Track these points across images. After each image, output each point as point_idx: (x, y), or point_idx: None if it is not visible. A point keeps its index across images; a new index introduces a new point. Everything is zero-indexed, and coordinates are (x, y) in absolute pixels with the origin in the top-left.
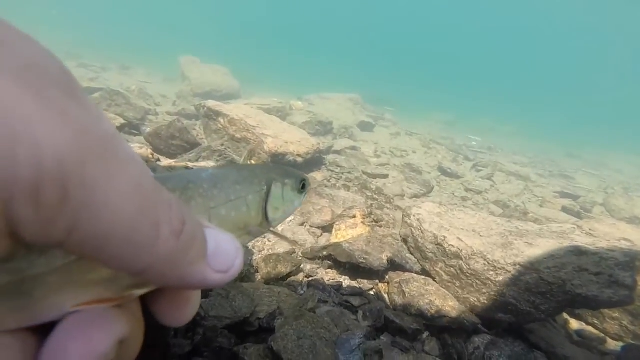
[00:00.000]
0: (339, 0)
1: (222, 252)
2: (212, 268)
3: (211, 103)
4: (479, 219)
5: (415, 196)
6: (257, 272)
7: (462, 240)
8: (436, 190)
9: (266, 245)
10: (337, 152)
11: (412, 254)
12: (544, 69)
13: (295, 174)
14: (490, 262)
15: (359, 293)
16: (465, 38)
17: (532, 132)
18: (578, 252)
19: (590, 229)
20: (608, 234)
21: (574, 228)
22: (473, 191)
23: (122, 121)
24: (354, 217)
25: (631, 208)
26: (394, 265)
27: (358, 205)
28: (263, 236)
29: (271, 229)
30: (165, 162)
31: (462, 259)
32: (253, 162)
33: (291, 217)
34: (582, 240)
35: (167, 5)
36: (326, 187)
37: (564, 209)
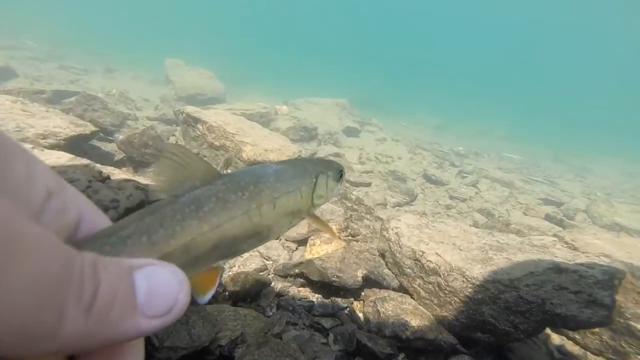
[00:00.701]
0: (330, 3)
1: (158, 293)
2: (147, 315)
3: (190, 109)
4: (459, 231)
5: (398, 205)
6: (225, 291)
7: (440, 256)
8: (420, 198)
9: (237, 261)
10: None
11: (389, 269)
12: (533, 73)
13: (335, 165)
14: (469, 279)
15: (331, 314)
16: (455, 41)
17: (520, 136)
18: (557, 269)
19: (572, 239)
20: (589, 245)
21: (555, 241)
22: (457, 199)
23: (93, 128)
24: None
25: (612, 215)
26: (370, 282)
27: (335, 218)
28: None
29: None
30: (120, 175)
31: (440, 276)
32: (229, 171)
33: None
34: (562, 255)
35: (156, 7)
36: None
37: (547, 217)
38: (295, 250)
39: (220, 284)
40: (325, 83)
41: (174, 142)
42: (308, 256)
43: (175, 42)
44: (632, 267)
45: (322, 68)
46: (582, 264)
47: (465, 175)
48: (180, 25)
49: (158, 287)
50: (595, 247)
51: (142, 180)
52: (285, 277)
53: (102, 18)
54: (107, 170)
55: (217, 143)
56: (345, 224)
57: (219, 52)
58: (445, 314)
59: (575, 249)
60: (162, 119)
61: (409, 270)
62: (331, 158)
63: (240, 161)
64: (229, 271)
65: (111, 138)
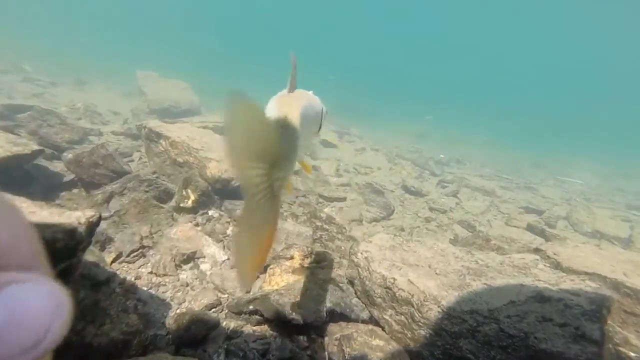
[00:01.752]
0: (309, 13)
1: (19, 322)
2: (3, 351)
3: (152, 123)
4: (436, 251)
5: (375, 220)
6: (167, 335)
7: (413, 284)
8: (398, 211)
9: (188, 295)
10: (295, 172)
11: (359, 298)
12: (512, 79)
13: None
14: (445, 310)
15: (289, 358)
16: (435, 49)
17: (499, 142)
18: (541, 297)
19: (554, 253)
20: (572, 259)
21: (537, 260)
22: (437, 210)
23: (35, 147)
24: (292, 258)
25: (592, 222)
26: (336, 316)
27: (300, 243)
28: (186, 284)
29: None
30: (44, 212)
31: (413, 306)
32: (189, 191)
33: (225, 258)
34: (545, 278)
35: (133, 18)
36: None
37: (529, 227)
38: (256, 279)
39: (164, 325)
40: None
41: (138, 158)
42: (267, 287)
43: (151, 53)
44: (617, 283)
45: (302, 76)
46: (567, 290)
47: (445, 184)
48: (157, 36)
49: (20, 315)
50: (578, 260)
51: (77, 218)
52: (239, 314)
53: (76, 29)
54: (25, 204)
55: (180, 159)
56: (310, 249)
57: (198, 63)
58: (420, 349)
59: (558, 264)
60: (128, 134)
61: (379, 300)
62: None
63: (203, 179)
64: (178, 308)
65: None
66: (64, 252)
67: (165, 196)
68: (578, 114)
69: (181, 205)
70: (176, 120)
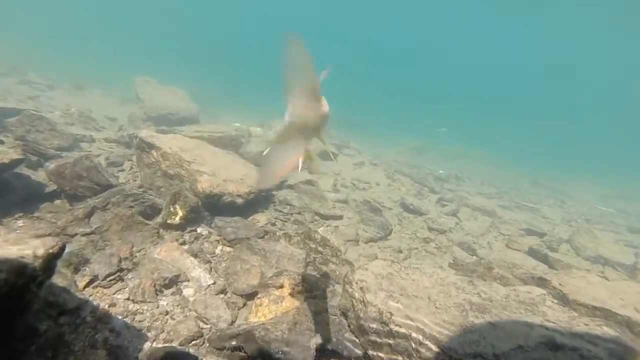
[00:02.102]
0: (311, 24)
1: None
2: None
3: (144, 133)
4: (436, 280)
5: (372, 240)
6: None
7: (411, 320)
8: (397, 231)
9: (167, 326)
10: (291, 187)
11: (352, 333)
12: (514, 95)
13: None
14: (446, 351)
15: None
16: (436, 63)
17: (500, 158)
18: (553, 344)
19: (560, 284)
20: (579, 291)
21: (544, 295)
22: (436, 230)
23: (15, 156)
24: (281, 287)
25: (596, 246)
26: (327, 353)
27: (291, 268)
28: (165, 312)
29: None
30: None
31: (411, 344)
32: (178, 207)
33: (210, 282)
34: (555, 318)
35: (137, 24)
36: (261, 239)
37: (531, 251)
38: (242, 308)
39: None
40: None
41: (129, 168)
42: (252, 319)
43: (153, 61)
44: (631, 322)
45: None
46: (582, 336)
47: (445, 203)
48: (159, 42)
49: None
50: (586, 292)
51: (34, 249)
52: (221, 349)
53: (78, 32)
54: None
55: (171, 172)
56: (301, 277)
57: (200, 70)
58: None
59: (564, 296)
60: (121, 141)
61: (374, 336)
62: (302, 186)
63: (194, 194)
64: (155, 340)
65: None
66: (10, 294)
67: (151, 212)
68: (576, 132)
69: (168, 221)
70: (172, 128)
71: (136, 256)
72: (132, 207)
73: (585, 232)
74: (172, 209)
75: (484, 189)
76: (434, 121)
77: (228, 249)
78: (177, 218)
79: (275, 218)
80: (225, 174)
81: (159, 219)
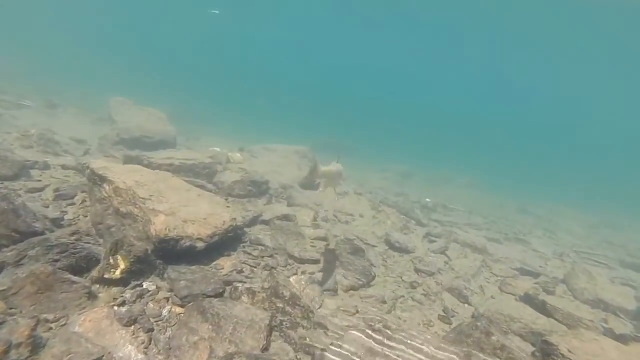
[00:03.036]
0: (297, 48)
1: None
2: None
3: (96, 164)
4: (427, 353)
5: (352, 288)
6: None
7: None
8: (381, 273)
9: None
10: (266, 223)
11: None
12: (498, 120)
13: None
14: None
15: None
16: (422, 88)
17: (483, 184)
18: None
19: (569, 349)
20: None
21: None
22: (424, 272)
23: None
24: None
25: (594, 288)
26: None
27: (244, 349)
28: None
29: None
30: None
31: None
32: (119, 258)
33: None
34: None
35: (119, 42)
36: (218, 297)
37: (527, 298)
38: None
39: None
40: (291, 127)
41: (81, 201)
42: None
43: (138, 76)
44: None
45: (289, 111)
46: None
47: (433, 239)
48: (147, 59)
49: None
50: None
51: None
52: None
53: (60, 50)
54: None
55: (123, 209)
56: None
57: (187, 89)
58: None
59: None
60: (79, 168)
61: None
62: (278, 222)
63: (146, 236)
64: None
65: None
66: None
67: (86, 264)
68: (562, 158)
69: (106, 276)
70: (142, 153)
71: (52, 326)
72: (57, 260)
73: (581, 272)
74: (111, 260)
75: (473, 218)
76: (420, 146)
77: (178, 309)
78: (118, 271)
79: (243, 263)
80: (186, 212)
81: (94, 273)
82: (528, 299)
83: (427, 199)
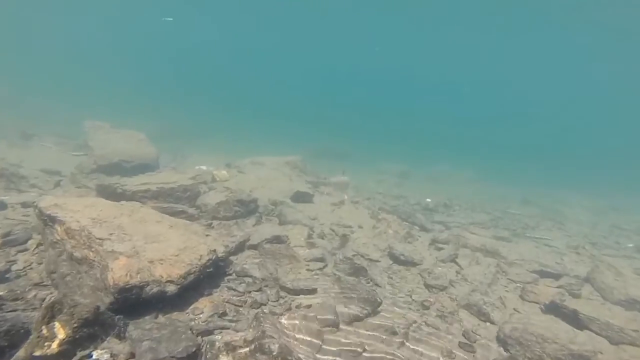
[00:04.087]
0: (287, 54)
1: None
2: None
3: (46, 202)
4: None
5: (356, 319)
6: None
7: None
8: (387, 295)
9: None
10: (254, 247)
11: None
12: (494, 112)
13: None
14: None
15: None
16: (414, 85)
17: (484, 177)
18: None
19: None
20: None
21: None
22: (435, 287)
23: None
24: None
25: (623, 286)
26: None
27: None
28: None
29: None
30: None
31: None
32: (58, 326)
33: None
34: None
35: (94, 62)
36: (194, 351)
37: (554, 308)
38: None
39: None
40: (280, 136)
41: (35, 246)
42: None
43: (121, 96)
44: None
45: (277, 120)
46: None
47: (440, 246)
48: (134, 74)
49: None
50: None
51: None
52: None
53: (43, 70)
54: None
55: (78, 254)
56: None
57: (170, 106)
58: None
59: None
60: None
61: None
62: (268, 246)
63: (103, 286)
64: None
65: None
66: None
67: (13, 338)
68: (560, 146)
69: (37, 353)
70: (121, 179)
71: None
72: None
73: (605, 267)
74: (45, 330)
75: (476, 216)
76: (415, 143)
77: None
78: (55, 344)
79: (226, 302)
80: (153, 250)
81: (20, 353)
82: (556, 309)
83: (428, 199)
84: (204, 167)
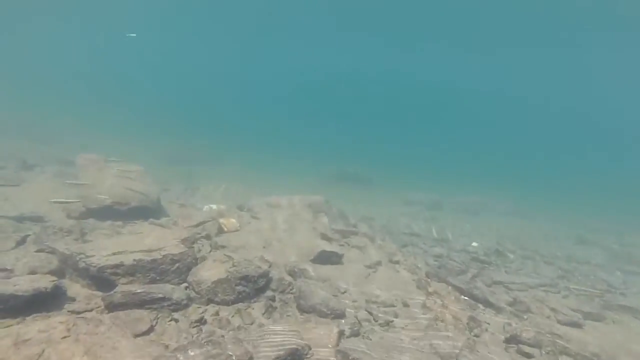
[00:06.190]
0: (306, 76)
1: None
2: None
3: None
4: None
5: None
6: None
7: None
8: None
9: None
10: None
11: None
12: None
13: None
14: None
15: None
16: (444, 111)
17: (523, 210)
18: None
19: None
20: None
21: None
22: None
23: None
24: None
25: None
26: None
27: None
28: None
29: None
30: None
31: None
32: None
33: None
34: None
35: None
36: None
37: None
38: None
39: None
40: (296, 159)
41: None
42: None
43: (131, 118)
44: None
45: (296, 140)
46: None
47: (527, 351)
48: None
49: None
50: None
51: None
52: None
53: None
54: None
55: None
56: None
57: (182, 128)
58: None
59: None
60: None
61: None
62: None
63: None
64: None
65: None
66: None
67: None
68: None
69: None
70: (114, 223)
71: None
72: None
73: None
74: None
75: (541, 270)
76: (443, 170)
77: None
78: None
79: None
80: None
81: None
82: None
83: (474, 244)
84: (214, 207)
